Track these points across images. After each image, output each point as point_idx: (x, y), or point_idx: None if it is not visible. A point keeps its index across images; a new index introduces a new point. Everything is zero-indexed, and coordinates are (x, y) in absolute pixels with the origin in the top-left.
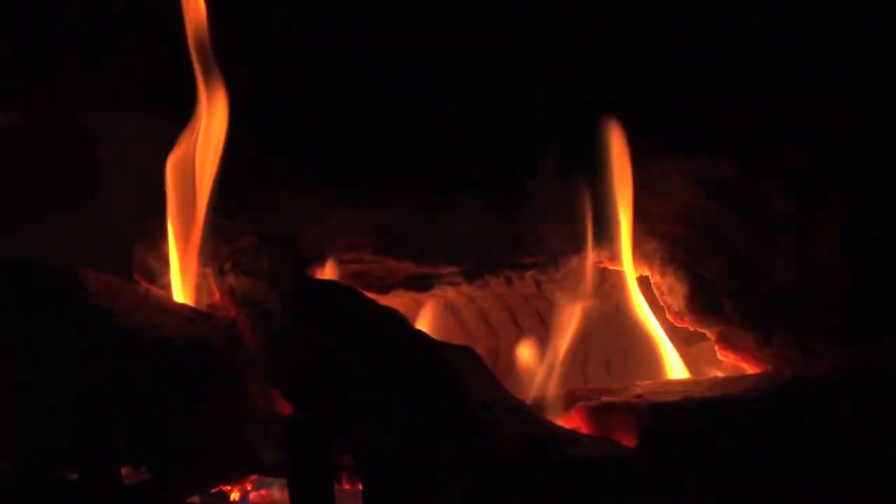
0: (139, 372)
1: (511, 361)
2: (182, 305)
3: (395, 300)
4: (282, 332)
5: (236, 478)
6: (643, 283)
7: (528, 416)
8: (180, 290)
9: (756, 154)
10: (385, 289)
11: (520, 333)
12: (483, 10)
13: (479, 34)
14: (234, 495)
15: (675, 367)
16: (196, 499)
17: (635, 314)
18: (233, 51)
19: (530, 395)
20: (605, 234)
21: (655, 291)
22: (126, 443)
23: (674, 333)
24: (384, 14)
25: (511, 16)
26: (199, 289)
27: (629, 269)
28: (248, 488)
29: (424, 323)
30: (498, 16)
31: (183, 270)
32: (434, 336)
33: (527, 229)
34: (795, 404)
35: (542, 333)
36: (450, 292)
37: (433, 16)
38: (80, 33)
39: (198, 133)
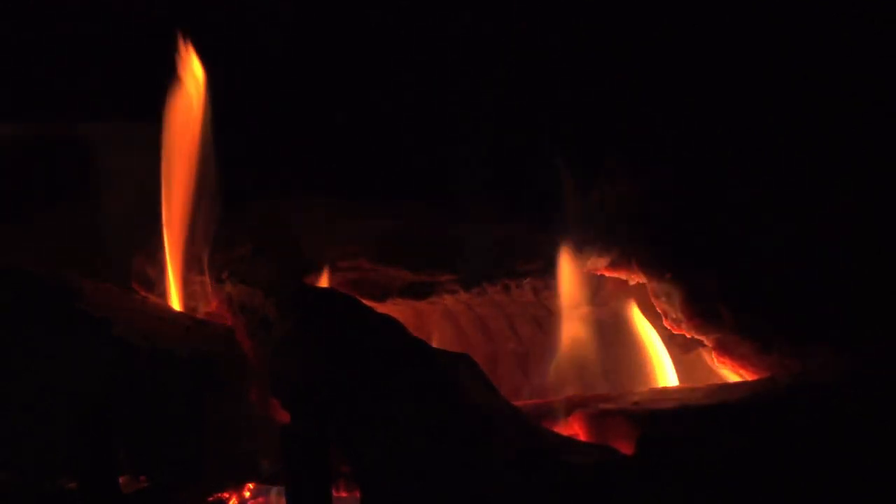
0: (138, 381)
1: (509, 368)
2: (180, 314)
3: (393, 308)
4: (280, 341)
5: (235, 486)
6: (641, 289)
7: (525, 424)
8: (177, 299)
9: (754, 162)
10: (383, 297)
11: (517, 341)
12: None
13: (485, 49)
14: (233, 503)
15: (668, 377)
16: None
17: (632, 322)
18: (232, 56)
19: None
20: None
21: (653, 298)
22: (125, 452)
23: (671, 340)
24: (385, 26)
25: (515, 35)
26: (197, 297)
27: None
28: (247, 496)
29: (426, 333)
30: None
31: (179, 279)
32: (432, 344)
33: (524, 238)
34: (793, 412)
35: (540, 341)
36: (448, 300)
37: (436, 31)
38: (77, 43)
39: (178, 138)
